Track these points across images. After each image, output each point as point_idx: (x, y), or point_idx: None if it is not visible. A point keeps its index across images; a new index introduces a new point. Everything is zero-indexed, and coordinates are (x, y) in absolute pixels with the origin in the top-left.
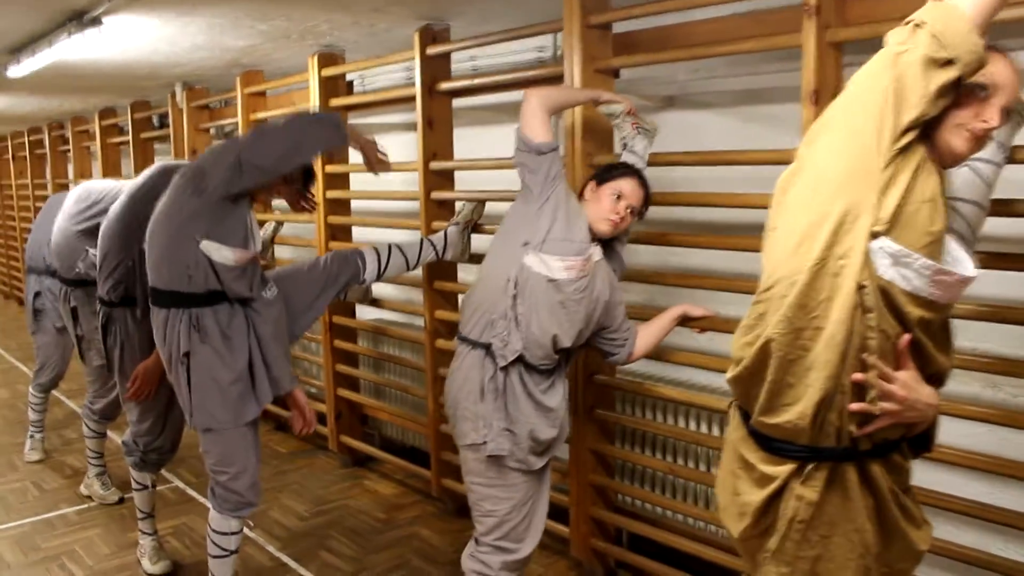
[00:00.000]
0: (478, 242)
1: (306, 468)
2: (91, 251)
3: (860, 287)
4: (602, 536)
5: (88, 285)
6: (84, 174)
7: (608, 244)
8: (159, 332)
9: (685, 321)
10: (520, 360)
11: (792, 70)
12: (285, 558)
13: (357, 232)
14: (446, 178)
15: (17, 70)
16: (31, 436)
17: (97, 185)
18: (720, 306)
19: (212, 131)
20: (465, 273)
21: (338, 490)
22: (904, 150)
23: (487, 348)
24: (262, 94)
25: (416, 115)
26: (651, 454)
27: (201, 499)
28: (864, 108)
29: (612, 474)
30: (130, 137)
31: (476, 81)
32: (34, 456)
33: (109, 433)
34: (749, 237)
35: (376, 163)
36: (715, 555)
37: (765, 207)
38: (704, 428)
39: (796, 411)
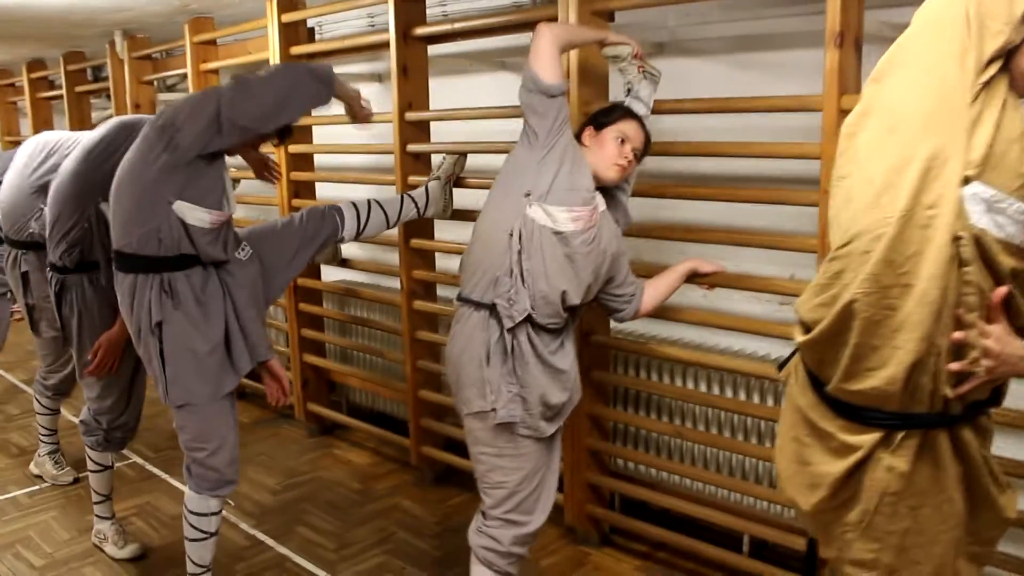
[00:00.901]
0: (460, 197)
1: (272, 438)
2: (46, 209)
3: (956, 238)
4: (597, 501)
5: (40, 248)
6: (11, 131)
7: (608, 194)
8: (125, 300)
9: (693, 277)
10: (528, 320)
11: (795, 15)
12: (261, 536)
13: (322, 189)
14: (422, 130)
15: None
16: None
17: (53, 136)
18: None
19: (155, 84)
20: (442, 231)
21: (308, 461)
22: (989, 83)
23: (491, 308)
24: (212, 43)
25: (390, 63)
26: (654, 417)
27: (162, 475)
28: (940, 40)
29: (608, 438)
30: (64, 91)
31: (458, 25)
32: None
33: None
34: (748, 188)
35: (361, 115)
36: (723, 518)
37: (771, 156)
38: (709, 388)
39: (884, 376)
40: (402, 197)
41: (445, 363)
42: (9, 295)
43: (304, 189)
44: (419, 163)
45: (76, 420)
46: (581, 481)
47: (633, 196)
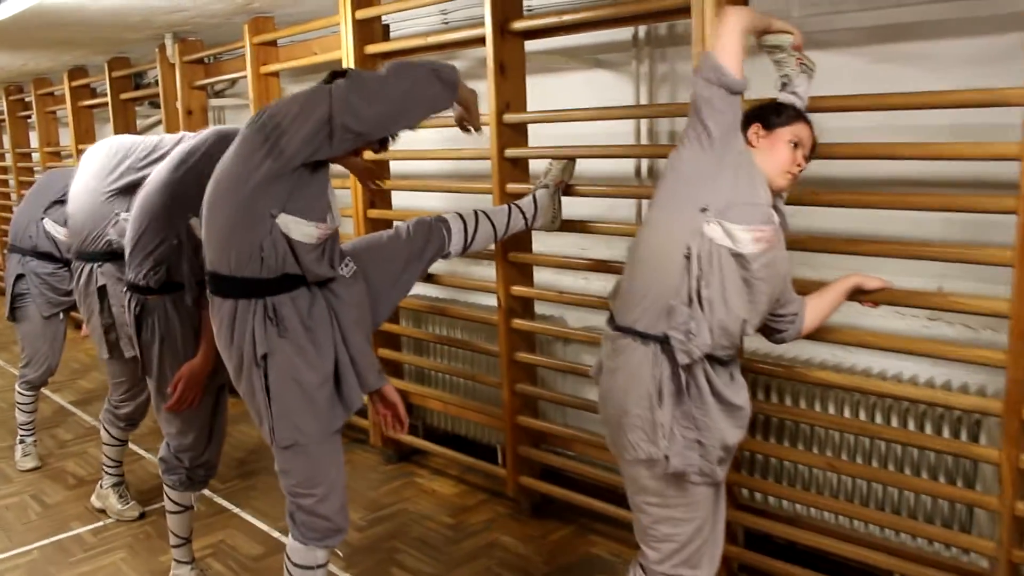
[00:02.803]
0: (569, 207)
1: (346, 466)
2: (123, 215)
3: None
4: (727, 538)
5: (118, 259)
6: (51, 142)
7: None
8: (224, 330)
9: (855, 294)
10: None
11: (944, 1)
12: None
13: (401, 198)
14: (520, 133)
15: None
16: (21, 441)
17: (127, 140)
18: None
19: (207, 89)
20: (540, 243)
21: (390, 491)
22: None
23: (662, 341)
24: (273, 44)
25: (487, 59)
26: (804, 448)
27: (234, 508)
28: None
29: (741, 469)
30: (108, 99)
31: (566, 18)
32: (28, 463)
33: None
34: (912, 194)
35: (479, 121)
36: (865, 555)
37: (956, 158)
38: (872, 418)
39: None
40: (509, 207)
41: (602, 401)
42: (62, 315)
43: (379, 198)
44: (517, 169)
45: (136, 448)
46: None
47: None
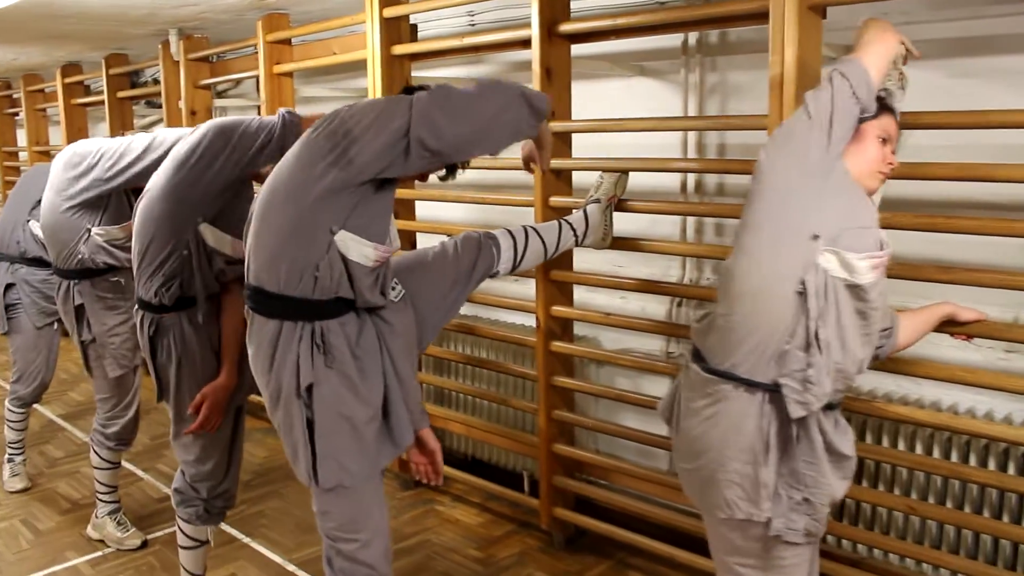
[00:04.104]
0: (619, 223)
1: None
2: (94, 230)
3: None
4: None
5: (95, 275)
6: (40, 140)
7: None
8: (262, 353)
9: (946, 325)
10: None
11: None
12: None
13: (426, 208)
14: (564, 142)
15: None
16: (9, 460)
17: (90, 145)
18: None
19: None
20: (581, 260)
21: (410, 520)
22: None
23: (771, 389)
24: (287, 42)
25: (533, 63)
26: (884, 489)
27: (244, 538)
28: None
29: None
30: (105, 97)
31: (620, 21)
32: (17, 484)
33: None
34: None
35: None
36: None
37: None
38: (947, 456)
39: None
40: (559, 223)
41: (686, 449)
42: (56, 325)
43: (403, 209)
44: (560, 181)
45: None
46: None
47: None
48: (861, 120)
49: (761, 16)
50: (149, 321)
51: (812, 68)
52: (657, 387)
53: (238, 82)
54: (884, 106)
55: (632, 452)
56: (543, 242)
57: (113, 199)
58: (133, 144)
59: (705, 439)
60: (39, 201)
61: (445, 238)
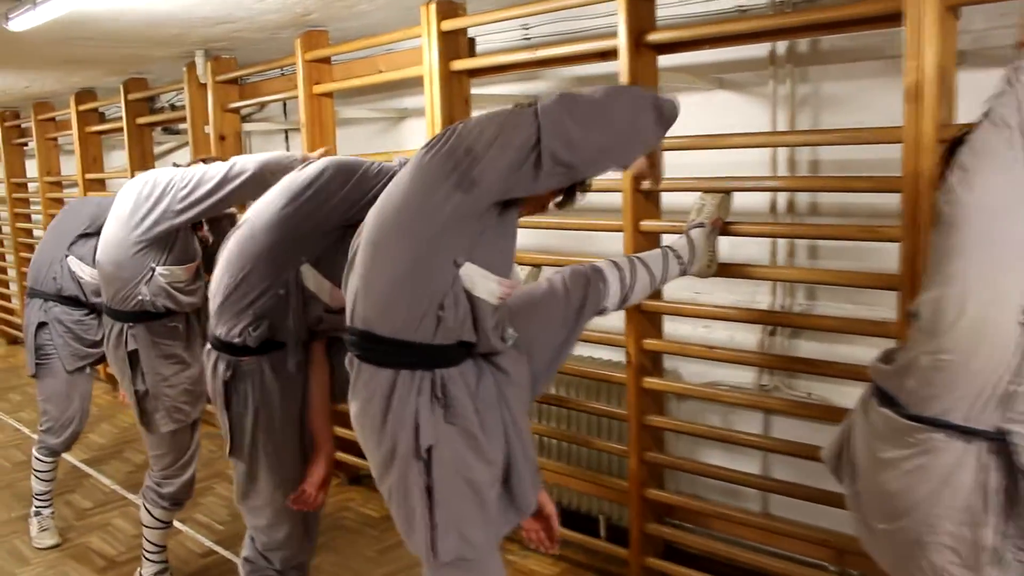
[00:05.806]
0: (724, 249)
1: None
2: (158, 269)
3: None
4: None
5: (153, 319)
6: (51, 171)
7: None
8: (374, 409)
9: None
10: None
11: None
12: None
13: None
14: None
15: (20, 21)
16: (37, 513)
17: (164, 176)
18: None
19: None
20: (674, 288)
21: None
22: None
23: (993, 438)
24: (327, 60)
25: (620, 76)
26: None
27: None
28: None
29: None
30: (124, 123)
31: (712, 29)
32: (47, 540)
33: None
34: None
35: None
36: None
37: None
38: None
39: None
40: (664, 252)
41: (878, 505)
42: (89, 370)
43: None
44: (649, 203)
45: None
46: None
47: None
48: None
49: (890, 18)
50: (225, 364)
51: (949, 74)
52: (746, 422)
53: (263, 105)
54: None
55: (716, 492)
56: (651, 273)
57: (181, 236)
58: (208, 172)
59: (908, 496)
60: (80, 236)
61: (551, 271)
